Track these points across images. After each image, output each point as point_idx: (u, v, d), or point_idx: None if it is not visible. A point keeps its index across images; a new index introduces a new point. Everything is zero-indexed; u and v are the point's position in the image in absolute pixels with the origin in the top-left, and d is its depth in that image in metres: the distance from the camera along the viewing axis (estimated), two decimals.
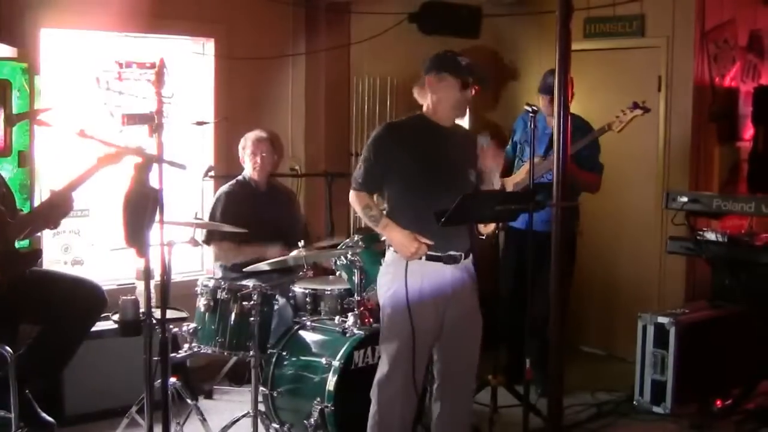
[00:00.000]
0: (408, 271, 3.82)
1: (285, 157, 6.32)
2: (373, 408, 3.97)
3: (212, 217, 5.27)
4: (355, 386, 4.32)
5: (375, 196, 4.08)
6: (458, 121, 4.13)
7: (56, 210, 4.32)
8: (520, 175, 5.50)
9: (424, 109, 3.99)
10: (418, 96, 4.01)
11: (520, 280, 5.49)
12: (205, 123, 5.83)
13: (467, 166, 4.00)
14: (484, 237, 5.22)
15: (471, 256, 4.05)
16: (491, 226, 5.09)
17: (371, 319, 4.64)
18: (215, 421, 4.73)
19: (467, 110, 4.04)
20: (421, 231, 3.82)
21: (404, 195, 3.92)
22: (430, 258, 3.86)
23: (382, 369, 3.95)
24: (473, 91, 3.95)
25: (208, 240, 5.31)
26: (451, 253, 3.92)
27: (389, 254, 3.97)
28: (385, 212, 3.97)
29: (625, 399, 5.57)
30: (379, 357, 4.07)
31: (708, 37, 6.37)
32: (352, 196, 3.99)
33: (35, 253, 4.58)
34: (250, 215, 5.26)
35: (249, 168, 5.42)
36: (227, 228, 4.99)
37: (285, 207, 5.62)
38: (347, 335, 4.60)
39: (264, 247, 5.20)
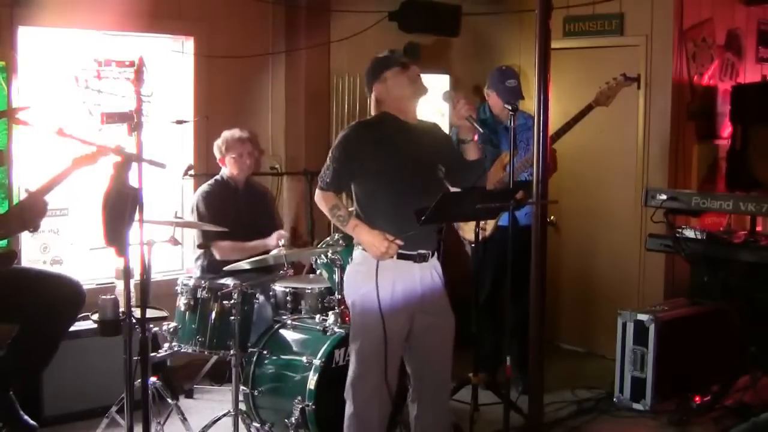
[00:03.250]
0: (379, 272, 3.81)
1: (265, 155, 6.31)
2: (349, 409, 3.94)
3: (199, 217, 5.24)
4: (335, 385, 4.31)
5: (343, 196, 4.08)
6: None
7: (29, 213, 4.28)
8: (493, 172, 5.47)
9: (387, 110, 4.00)
10: (375, 109, 4.02)
11: (499, 277, 5.50)
12: (185, 122, 5.81)
13: (435, 161, 3.98)
14: (472, 243, 5.26)
15: (437, 254, 4.05)
16: (488, 228, 5.13)
17: None
18: (196, 420, 4.72)
19: (424, 88, 4.03)
20: (391, 229, 3.81)
21: (374, 194, 3.90)
22: (400, 257, 3.85)
23: (354, 369, 3.92)
24: (416, 71, 3.97)
25: (205, 243, 5.28)
26: (421, 251, 3.91)
27: (358, 253, 3.94)
28: (353, 212, 3.96)
29: (605, 396, 5.59)
30: None
31: (686, 35, 6.41)
32: (318, 195, 3.97)
33: (11, 255, 4.54)
34: (231, 214, 5.25)
35: (231, 168, 5.40)
36: (207, 227, 4.97)
37: (263, 205, 5.61)
38: (328, 334, 4.60)
39: (264, 240, 5.20)
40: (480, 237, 4.92)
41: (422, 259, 3.92)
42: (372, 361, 3.85)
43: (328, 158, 3.95)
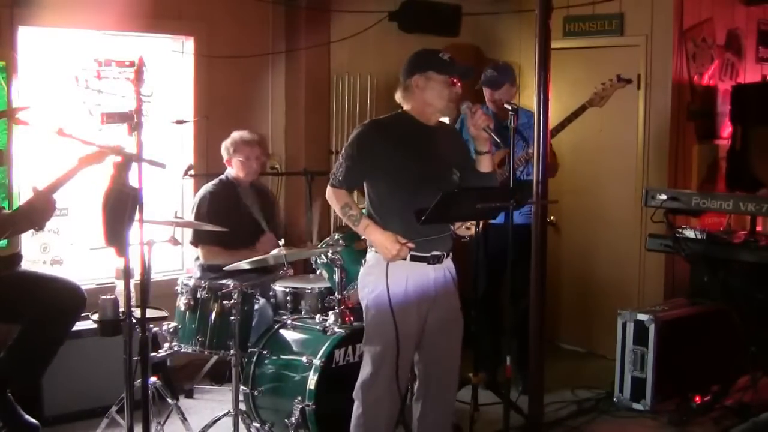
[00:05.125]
0: (390, 274, 3.78)
1: None
2: (357, 410, 3.94)
3: (198, 217, 5.23)
4: (336, 385, 4.33)
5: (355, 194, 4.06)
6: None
7: (38, 211, 4.27)
8: None
9: (407, 108, 3.95)
10: (402, 99, 3.93)
11: (495, 277, 5.49)
12: (185, 122, 5.81)
13: (451, 164, 3.96)
14: (466, 239, 5.26)
15: (451, 254, 4.03)
16: (472, 229, 5.12)
17: (352, 318, 4.64)
18: (196, 420, 4.72)
19: (452, 112, 4.00)
20: (404, 230, 3.79)
21: (387, 193, 3.87)
22: (414, 258, 3.83)
23: (366, 370, 3.92)
24: (458, 86, 3.91)
25: (196, 241, 5.29)
26: (435, 252, 3.89)
27: (371, 255, 3.93)
28: (364, 211, 3.94)
29: (606, 396, 5.59)
30: (361, 356, 4.04)
31: (686, 35, 6.41)
32: (330, 193, 3.93)
33: (14, 257, 4.54)
34: (234, 215, 5.25)
35: (238, 171, 5.38)
36: (208, 227, 4.98)
37: (266, 206, 5.61)
38: (328, 334, 4.60)
39: (252, 251, 5.19)
40: (471, 232, 4.93)
41: (436, 260, 3.91)
42: (384, 362, 3.85)
43: (341, 155, 3.93)
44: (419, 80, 3.87)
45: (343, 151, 3.94)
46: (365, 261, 4.01)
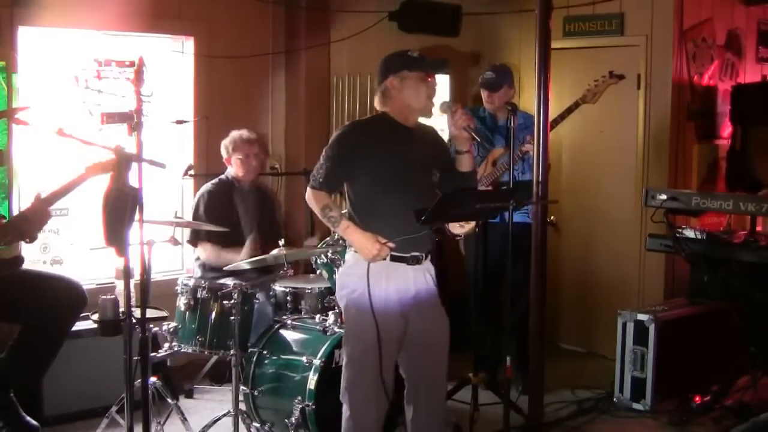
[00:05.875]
0: (371, 274, 3.78)
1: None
2: (345, 413, 3.92)
3: (195, 216, 5.24)
4: (336, 385, 4.30)
5: (334, 196, 4.06)
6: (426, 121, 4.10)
7: (31, 224, 4.24)
8: (483, 167, 5.48)
9: (388, 110, 3.94)
10: (380, 104, 3.94)
11: (494, 276, 5.48)
12: (185, 122, 5.81)
13: (431, 165, 3.96)
14: (460, 237, 5.26)
15: (430, 256, 4.01)
16: (468, 227, 5.12)
17: None
18: (196, 420, 4.72)
19: (431, 111, 3.99)
20: (385, 231, 3.79)
21: (367, 195, 3.87)
22: (393, 259, 3.83)
23: (349, 372, 3.90)
24: (434, 86, 3.92)
25: (194, 240, 5.29)
26: (414, 253, 3.88)
27: (350, 256, 3.92)
28: (345, 213, 3.94)
29: (606, 396, 5.58)
30: None
31: (686, 35, 6.41)
32: (310, 194, 3.92)
33: (16, 260, 4.53)
34: (233, 214, 5.26)
35: (237, 169, 5.39)
36: (207, 227, 4.98)
37: (266, 206, 5.61)
38: (328, 333, 4.60)
39: (240, 250, 5.18)
40: (464, 230, 4.92)
41: (416, 261, 3.90)
42: (366, 364, 3.83)
43: (321, 157, 3.92)
44: (394, 81, 3.88)
45: (323, 152, 3.93)
46: (344, 262, 4.02)
